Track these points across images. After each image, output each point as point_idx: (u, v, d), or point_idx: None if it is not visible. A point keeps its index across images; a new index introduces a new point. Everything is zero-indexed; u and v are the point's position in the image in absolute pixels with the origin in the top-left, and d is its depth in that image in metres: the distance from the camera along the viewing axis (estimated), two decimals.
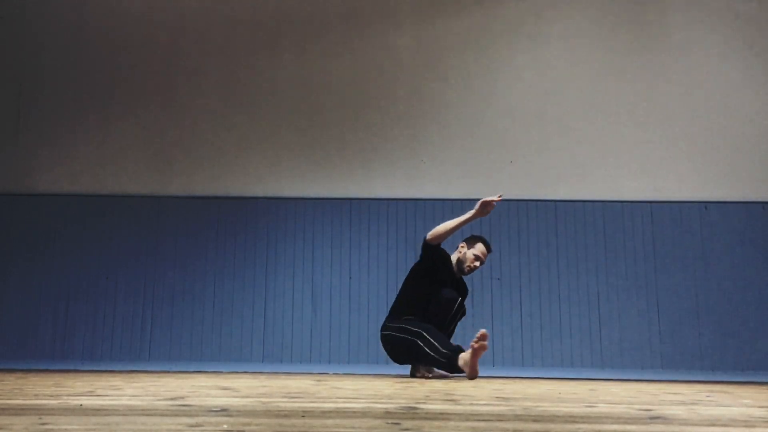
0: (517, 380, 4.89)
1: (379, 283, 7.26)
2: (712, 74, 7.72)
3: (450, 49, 7.83)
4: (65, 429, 1.85)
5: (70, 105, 7.77)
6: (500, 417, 2.21)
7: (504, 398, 2.95)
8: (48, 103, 7.77)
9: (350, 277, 7.29)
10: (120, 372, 5.15)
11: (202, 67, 7.82)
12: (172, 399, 2.67)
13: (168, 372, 5.33)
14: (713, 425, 2.09)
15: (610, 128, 7.64)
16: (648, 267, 7.27)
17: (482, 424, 2.01)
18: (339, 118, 7.68)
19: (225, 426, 1.89)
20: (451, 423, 2.03)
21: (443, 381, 4.57)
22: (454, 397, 2.95)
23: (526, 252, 7.34)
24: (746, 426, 2.10)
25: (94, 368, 5.66)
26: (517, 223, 7.39)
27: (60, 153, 7.65)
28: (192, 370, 5.66)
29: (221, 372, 5.36)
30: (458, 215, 7.40)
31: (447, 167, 7.55)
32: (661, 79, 7.71)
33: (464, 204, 7.44)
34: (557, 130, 7.63)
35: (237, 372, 5.44)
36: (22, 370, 5.18)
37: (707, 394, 3.51)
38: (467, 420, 2.11)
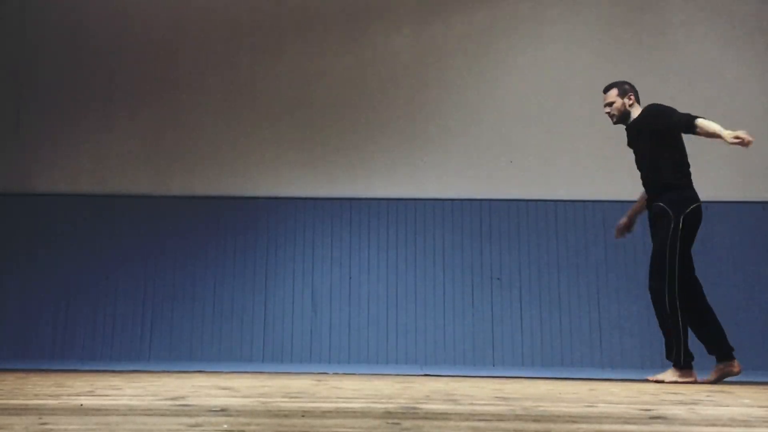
0: (517, 380, 4.90)
1: (379, 283, 7.26)
2: (711, 73, 7.71)
3: (450, 49, 7.82)
4: (65, 429, 1.85)
5: (69, 105, 7.75)
6: (500, 417, 2.21)
7: (504, 398, 2.95)
8: (47, 103, 7.76)
9: (350, 277, 7.29)
10: (120, 372, 5.15)
11: (202, 67, 7.82)
12: (172, 399, 2.68)
13: (168, 372, 5.33)
14: (713, 425, 2.09)
15: (610, 128, 7.59)
16: (648, 266, 7.25)
17: (482, 424, 2.01)
18: (339, 117, 7.68)
19: (225, 426, 1.89)
20: (451, 423, 2.03)
21: (444, 381, 4.57)
22: (454, 397, 2.95)
23: (526, 252, 7.33)
24: (746, 426, 2.10)
25: (94, 368, 5.66)
26: (517, 223, 7.39)
27: (59, 153, 7.63)
28: (192, 370, 5.67)
29: (221, 372, 5.37)
30: (458, 215, 7.47)
31: (447, 167, 7.55)
32: (661, 79, 7.71)
33: (464, 204, 7.48)
34: (557, 130, 7.62)
35: (237, 372, 5.44)
36: (22, 370, 5.18)
37: (707, 394, 3.52)
38: (467, 420, 2.11)
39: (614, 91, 5.55)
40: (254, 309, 7.21)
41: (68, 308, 7.21)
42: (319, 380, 4.32)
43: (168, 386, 3.48)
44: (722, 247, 7.29)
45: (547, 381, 4.84)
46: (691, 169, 7.48)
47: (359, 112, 7.68)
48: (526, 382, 4.59)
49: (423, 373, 5.71)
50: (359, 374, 5.44)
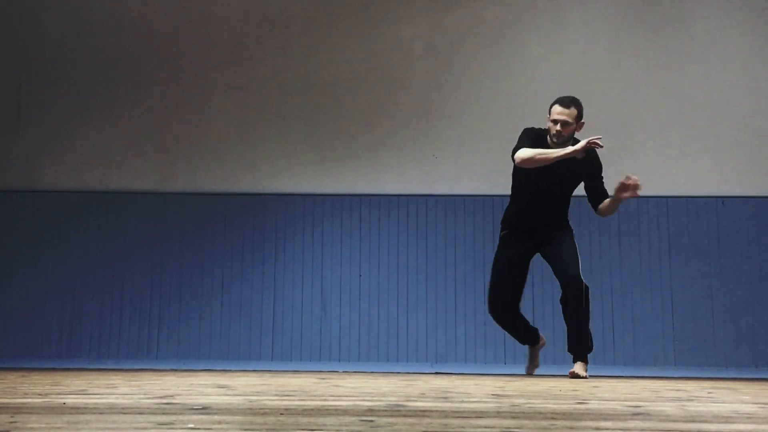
0: (525, 377, 4.88)
1: (389, 281, 7.23)
2: (733, 65, 7.58)
3: (463, 42, 7.75)
4: (30, 428, 1.84)
5: (72, 99, 7.71)
6: (480, 414, 2.18)
7: (499, 395, 2.92)
8: (50, 97, 7.72)
9: (360, 275, 7.26)
10: (125, 370, 5.17)
11: (209, 61, 7.77)
12: (160, 397, 2.67)
13: (174, 370, 5.35)
14: (692, 421, 2.04)
15: (627, 121, 7.54)
16: (663, 263, 7.18)
17: (456, 421, 1.98)
18: (349, 112, 7.63)
19: (191, 425, 1.87)
20: (426, 420, 2.00)
21: (450, 379, 4.55)
22: (447, 395, 2.92)
23: None
24: (726, 422, 2.05)
25: (101, 366, 5.69)
26: None
27: (62, 148, 7.60)
28: (200, 368, 5.68)
29: (228, 370, 5.37)
30: (471, 212, 7.41)
31: (459, 163, 7.50)
32: (680, 71, 7.60)
33: (476, 200, 7.43)
34: None
35: (245, 370, 5.45)
36: (27, 369, 5.21)
37: (709, 390, 3.47)
38: (445, 417, 2.08)
39: (575, 111, 4.92)
40: (263, 307, 7.21)
41: (74, 306, 7.23)
42: (322, 378, 4.31)
43: (165, 384, 3.48)
44: (739, 244, 7.19)
45: (555, 378, 4.81)
46: (709, 164, 7.45)
47: (369, 107, 7.63)
48: (533, 380, 4.57)
49: (434, 371, 5.69)
50: (367, 372, 5.44)
